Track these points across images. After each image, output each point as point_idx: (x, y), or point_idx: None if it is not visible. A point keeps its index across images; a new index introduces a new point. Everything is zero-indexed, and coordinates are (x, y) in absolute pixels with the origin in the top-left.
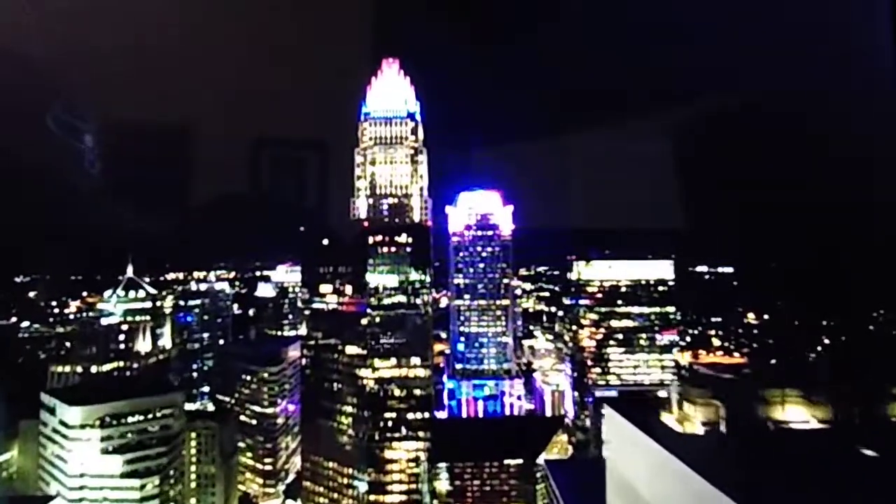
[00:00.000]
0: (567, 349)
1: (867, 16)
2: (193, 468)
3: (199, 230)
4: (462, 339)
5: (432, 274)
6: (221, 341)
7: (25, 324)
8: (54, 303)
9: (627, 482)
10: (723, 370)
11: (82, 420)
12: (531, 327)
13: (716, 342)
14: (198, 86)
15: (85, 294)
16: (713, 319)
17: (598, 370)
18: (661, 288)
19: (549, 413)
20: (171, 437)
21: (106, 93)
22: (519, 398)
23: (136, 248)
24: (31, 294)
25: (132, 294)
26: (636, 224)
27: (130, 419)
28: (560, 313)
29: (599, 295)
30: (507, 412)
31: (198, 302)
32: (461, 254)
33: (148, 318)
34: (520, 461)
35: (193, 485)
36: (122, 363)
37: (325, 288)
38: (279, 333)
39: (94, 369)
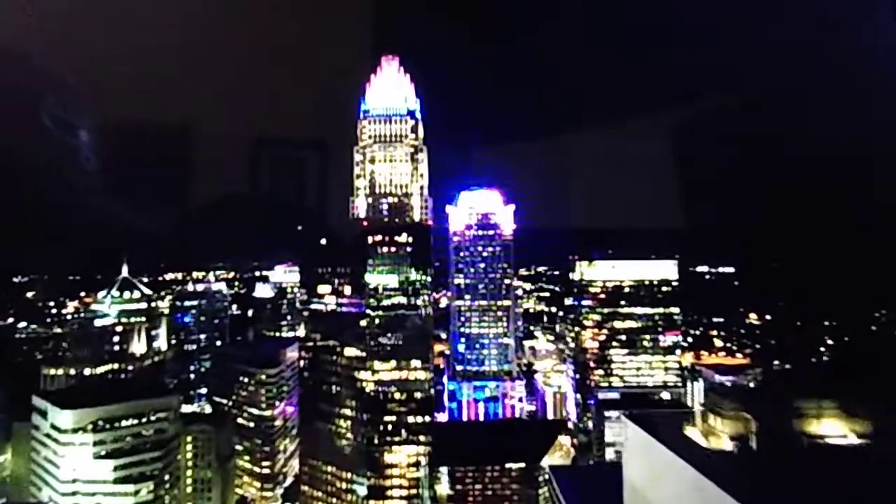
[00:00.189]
0: (569, 350)
1: (868, 16)
2: (189, 472)
3: (197, 230)
4: (462, 339)
5: (432, 274)
6: (219, 342)
7: (23, 324)
8: (52, 303)
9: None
10: (725, 371)
11: (74, 424)
12: (531, 328)
13: (718, 343)
14: (196, 85)
15: (83, 294)
16: (715, 320)
17: (600, 372)
18: (664, 288)
19: (550, 415)
20: (166, 441)
21: (104, 92)
22: (520, 400)
23: (134, 248)
24: (29, 294)
25: (127, 295)
26: (638, 224)
27: (124, 423)
28: (561, 314)
29: (602, 295)
30: (509, 414)
31: (195, 302)
32: (462, 254)
33: (143, 319)
34: (522, 465)
35: (189, 489)
36: (116, 365)
37: (323, 288)
38: (277, 334)
39: (87, 371)
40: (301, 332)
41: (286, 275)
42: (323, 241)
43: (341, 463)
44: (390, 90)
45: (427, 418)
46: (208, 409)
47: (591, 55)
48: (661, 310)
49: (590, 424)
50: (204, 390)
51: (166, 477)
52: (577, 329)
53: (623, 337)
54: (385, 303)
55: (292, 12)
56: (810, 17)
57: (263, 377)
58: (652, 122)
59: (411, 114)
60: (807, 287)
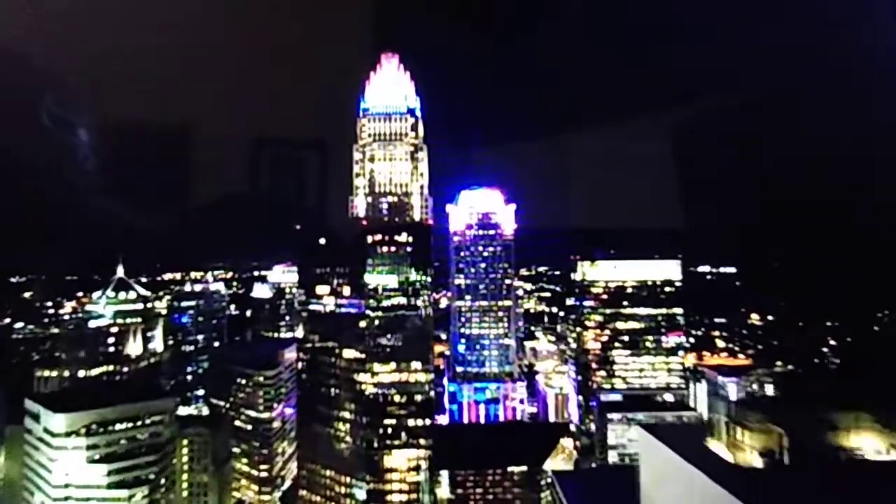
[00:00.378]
0: (570, 351)
1: (868, 15)
2: (185, 476)
3: (196, 230)
4: (463, 340)
5: (432, 274)
6: (216, 343)
7: (19, 325)
8: (49, 304)
9: None
10: (728, 372)
11: (67, 428)
12: (532, 328)
13: (720, 343)
14: (193, 84)
15: (80, 294)
16: (716, 320)
17: (602, 373)
18: (667, 289)
19: (552, 417)
20: (161, 444)
21: (100, 92)
22: (521, 402)
23: (132, 248)
24: (27, 294)
25: (122, 295)
26: (640, 224)
27: (118, 426)
28: (562, 314)
29: (604, 296)
30: (510, 417)
31: (192, 303)
32: (462, 253)
33: (139, 319)
34: (524, 468)
35: (185, 493)
36: (111, 367)
37: (322, 289)
38: (276, 335)
39: (81, 373)
40: (299, 332)
41: (284, 275)
42: (322, 241)
43: (340, 466)
44: (390, 88)
45: (427, 421)
46: (206, 411)
47: (591, 55)
48: (663, 310)
49: (592, 427)
50: (201, 392)
51: (161, 481)
52: (579, 330)
53: (626, 338)
54: (385, 303)
55: (291, 11)
56: (810, 16)
57: (261, 379)
58: (653, 121)
59: (411, 112)
60: (808, 287)
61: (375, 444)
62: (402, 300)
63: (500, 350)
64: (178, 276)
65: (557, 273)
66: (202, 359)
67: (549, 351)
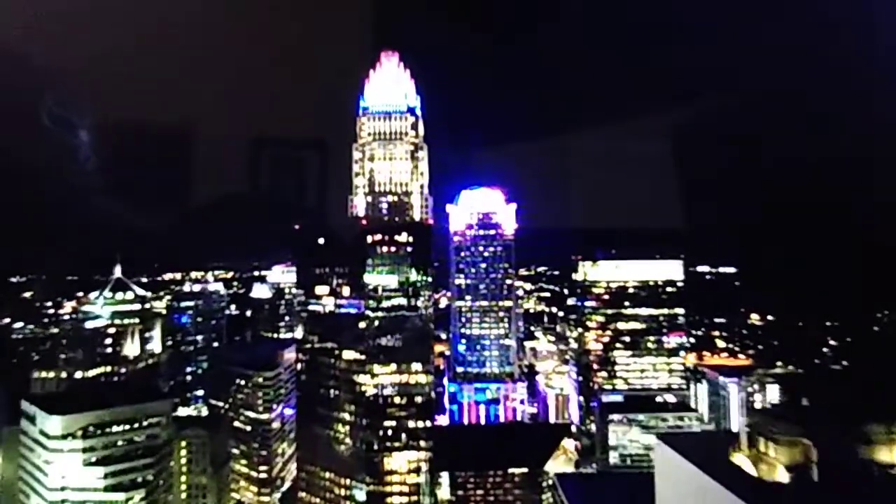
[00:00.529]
0: (571, 352)
1: (869, 15)
2: (184, 478)
3: (196, 229)
4: (463, 341)
5: (433, 274)
6: (216, 344)
7: (19, 325)
8: (49, 303)
9: None
10: (728, 372)
11: (63, 430)
12: (532, 328)
13: (720, 343)
14: (194, 84)
15: (80, 294)
16: (716, 320)
17: (603, 374)
18: (668, 289)
19: (552, 418)
20: (159, 446)
21: (102, 92)
22: (522, 402)
23: (132, 249)
24: (27, 294)
25: (120, 296)
26: (641, 224)
27: (115, 428)
28: (562, 314)
29: (606, 296)
30: (510, 417)
31: (191, 303)
32: (462, 253)
33: (136, 320)
34: (525, 470)
35: (184, 495)
36: (108, 368)
37: (321, 289)
38: (275, 336)
39: (78, 375)
40: (299, 333)
41: (284, 275)
42: (321, 241)
43: (340, 468)
44: (390, 87)
45: (427, 423)
46: (205, 412)
47: (592, 54)
48: (665, 311)
49: (593, 427)
50: (200, 392)
51: (159, 483)
52: (580, 330)
53: (627, 338)
54: (385, 304)
55: (291, 10)
56: (810, 16)
57: (260, 380)
58: (653, 121)
59: (411, 111)
60: (808, 287)
61: (375, 446)
62: (402, 300)
63: (500, 350)
64: (177, 276)
65: (557, 273)
66: (201, 359)
67: (549, 351)
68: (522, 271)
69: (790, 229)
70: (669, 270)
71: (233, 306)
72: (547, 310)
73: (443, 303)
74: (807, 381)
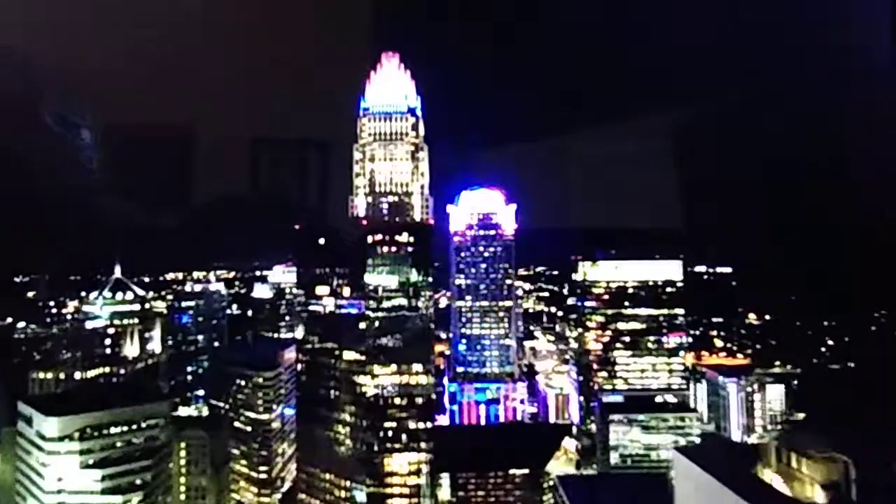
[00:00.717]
0: (571, 352)
1: (869, 15)
2: (183, 480)
3: (199, 229)
4: (463, 341)
5: (433, 274)
6: (216, 343)
7: (21, 324)
8: (52, 303)
9: None
10: (727, 372)
11: (60, 432)
12: (531, 328)
13: (718, 343)
14: (192, 82)
15: (84, 294)
16: (714, 320)
17: (604, 374)
18: (668, 289)
19: (552, 418)
20: (158, 448)
21: (102, 92)
22: (522, 402)
23: (134, 248)
24: (30, 294)
25: (119, 296)
26: (641, 224)
27: (113, 430)
28: (560, 314)
29: (606, 296)
30: (510, 417)
31: (192, 303)
32: (463, 254)
33: (136, 320)
34: (526, 471)
35: (183, 497)
36: (107, 369)
37: (321, 289)
38: (276, 336)
39: (77, 375)
40: (299, 333)
41: (285, 275)
42: (321, 241)
43: (340, 469)
44: (390, 87)
45: (429, 424)
46: (205, 412)
47: (591, 53)
48: (665, 311)
49: (593, 427)
50: (201, 392)
51: (158, 486)
52: (579, 330)
53: (627, 338)
54: (385, 304)
55: (290, 9)
56: (812, 16)
57: (261, 380)
58: (652, 121)
59: (412, 111)
60: (807, 287)
61: (376, 447)
62: (403, 301)
63: (500, 350)
64: (179, 275)
65: (556, 273)
66: (202, 359)
67: (549, 351)
68: (521, 271)
69: (788, 229)
70: (669, 270)
71: (234, 306)
72: (546, 309)
73: (443, 303)
74: (805, 380)
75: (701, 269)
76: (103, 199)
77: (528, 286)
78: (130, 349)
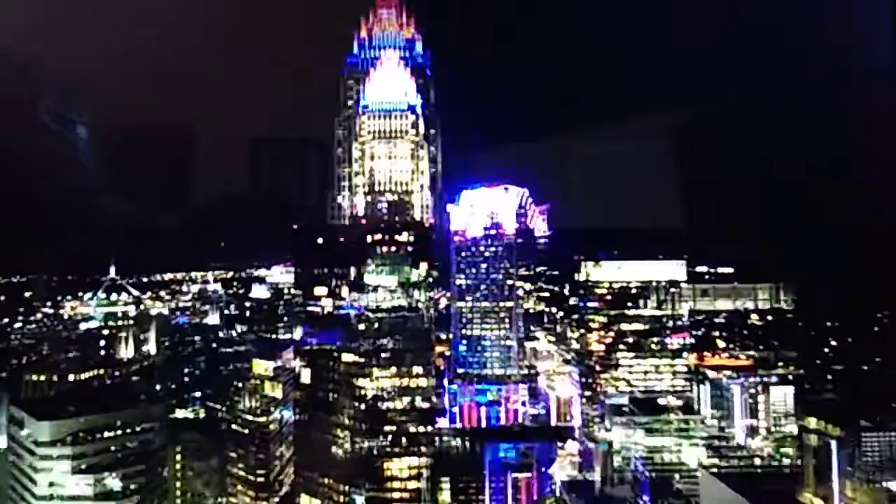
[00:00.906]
0: (574, 353)
1: (869, 15)
2: (178, 484)
3: (197, 229)
4: (464, 342)
5: (434, 274)
6: (214, 345)
7: (18, 325)
8: (49, 304)
9: None
10: (730, 373)
11: (52, 436)
12: (532, 328)
13: (720, 343)
14: (189, 81)
15: (82, 295)
16: (716, 320)
17: (606, 375)
18: (672, 290)
19: (554, 420)
20: (153, 452)
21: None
22: (523, 404)
23: (132, 248)
24: (27, 294)
25: (114, 297)
26: (643, 224)
27: (106, 434)
28: (560, 314)
29: (608, 297)
30: (511, 420)
31: (189, 304)
32: (463, 254)
33: (130, 322)
34: (528, 475)
35: (179, 501)
36: (101, 371)
37: (319, 290)
38: (274, 336)
39: (71, 378)
40: (298, 334)
41: (283, 275)
42: (319, 241)
43: (339, 474)
44: (390, 84)
45: (429, 428)
46: (202, 415)
47: (590, 54)
48: (668, 311)
49: (596, 430)
50: (198, 394)
51: (153, 490)
52: (582, 331)
53: (630, 339)
54: (384, 305)
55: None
56: (812, 16)
57: (258, 382)
58: (653, 121)
59: (412, 109)
60: (808, 287)
61: (375, 451)
62: (403, 302)
63: (501, 352)
64: (178, 276)
65: (556, 273)
66: (199, 360)
67: (550, 351)
68: (522, 271)
69: (790, 229)
70: (672, 271)
71: (232, 306)
72: (547, 310)
73: (442, 302)
74: (808, 381)
75: (702, 269)
76: (99, 199)
77: (528, 286)
78: (125, 351)
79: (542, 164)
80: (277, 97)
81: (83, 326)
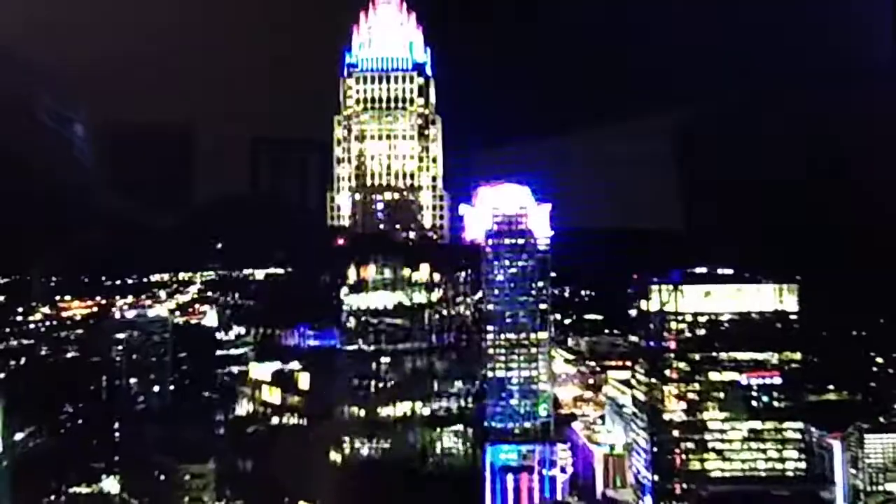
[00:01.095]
0: (639, 411)
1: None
2: None
3: (195, 229)
4: (484, 385)
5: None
6: (156, 388)
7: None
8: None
9: None
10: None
11: None
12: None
13: None
14: (186, 81)
15: (58, 299)
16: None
17: (689, 444)
18: (778, 324)
19: (600, 486)
20: None
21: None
22: (563, 471)
23: (130, 247)
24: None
25: None
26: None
27: None
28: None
29: (689, 334)
30: (548, 496)
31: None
32: (483, 269)
33: None
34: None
35: None
36: None
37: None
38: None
39: None
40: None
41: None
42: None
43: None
44: (388, 35)
45: None
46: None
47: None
48: (773, 355)
49: None
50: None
51: None
52: (653, 380)
53: (721, 394)
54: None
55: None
56: (812, 16)
57: (188, 476)
58: (653, 122)
59: (419, 68)
60: (809, 287)
61: None
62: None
63: (531, 398)
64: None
65: (599, 296)
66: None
67: (568, 373)
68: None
69: (792, 229)
70: (774, 299)
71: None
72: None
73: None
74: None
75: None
76: (98, 199)
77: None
78: None
79: (542, 163)
80: (277, 97)
81: None
